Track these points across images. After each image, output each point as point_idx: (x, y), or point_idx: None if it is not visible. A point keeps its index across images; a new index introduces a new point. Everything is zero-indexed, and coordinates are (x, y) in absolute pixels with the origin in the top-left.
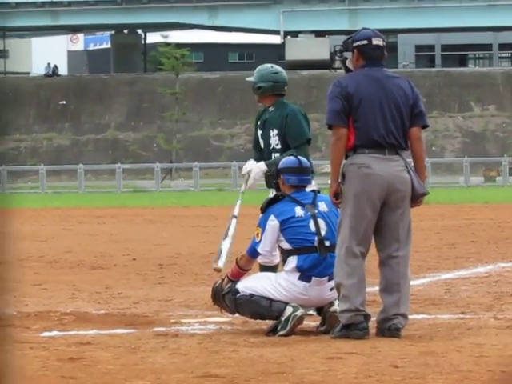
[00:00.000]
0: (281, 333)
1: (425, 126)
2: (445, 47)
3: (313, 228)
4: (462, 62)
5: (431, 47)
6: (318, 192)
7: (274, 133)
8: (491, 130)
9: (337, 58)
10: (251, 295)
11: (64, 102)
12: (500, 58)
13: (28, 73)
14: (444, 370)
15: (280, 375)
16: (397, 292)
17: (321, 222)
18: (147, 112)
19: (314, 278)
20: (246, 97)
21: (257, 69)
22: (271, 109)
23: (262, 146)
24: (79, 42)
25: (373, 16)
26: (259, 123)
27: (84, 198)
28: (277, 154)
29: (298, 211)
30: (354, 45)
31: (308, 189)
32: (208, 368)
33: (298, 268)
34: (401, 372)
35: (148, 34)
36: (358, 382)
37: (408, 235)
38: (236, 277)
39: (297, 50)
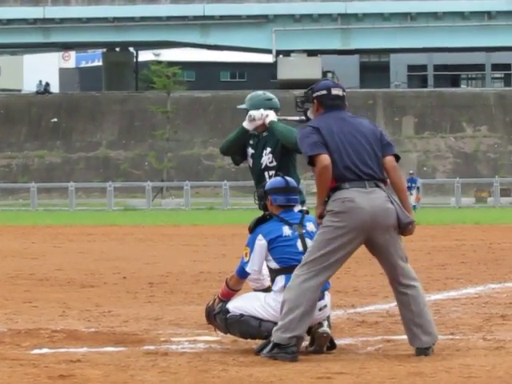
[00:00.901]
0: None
1: (397, 157)
2: (437, 67)
3: (300, 248)
4: (455, 82)
5: (424, 67)
6: (307, 213)
7: (266, 151)
8: (483, 150)
9: (298, 109)
10: (241, 315)
11: (55, 120)
12: (493, 78)
13: (19, 90)
14: None
15: None
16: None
17: (308, 242)
18: (139, 130)
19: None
20: (238, 116)
21: (248, 96)
22: (265, 134)
23: (251, 166)
24: (71, 60)
25: (365, 35)
26: (251, 143)
27: (75, 216)
28: (271, 172)
29: (286, 231)
30: (314, 95)
31: (296, 209)
32: None
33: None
34: None
35: (140, 52)
36: None
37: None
38: (226, 297)
39: (289, 69)
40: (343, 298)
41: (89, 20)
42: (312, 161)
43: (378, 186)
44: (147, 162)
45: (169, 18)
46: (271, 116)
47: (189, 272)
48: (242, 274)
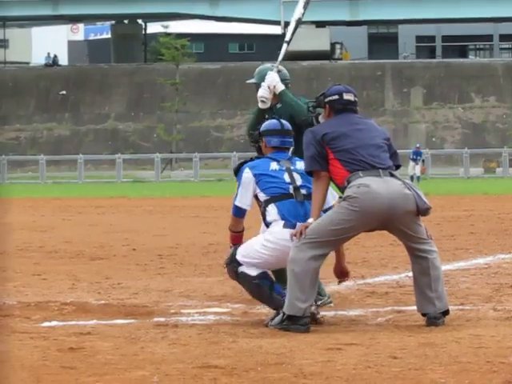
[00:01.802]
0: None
1: (398, 167)
2: (445, 38)
3: (287, 179)
4: (463, 53)
5: (432, 38)
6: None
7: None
8: (491, 121)
9: (309, 114)
10: (253, 278)
11: (64, 92)
12: (501, 49)
13: (28, 63)
14: (443, 361)
15: (279, 366)
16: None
17: (296, 175)
18: (147, 102)
19: (298, 224)
20: (246, 88)
21: (257, 69)
22: (278, 105)
23: None
24: (80, 32)
25: (373, 7)
26: (267, 117)
27: (84, 189)
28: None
29: (273, 165)
30: (326, 100)
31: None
32: (207, 358)
33: (280, 215)
34: (400, 363)
35: (148, 24)
36: (356, 373)
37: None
38: (235, 242)
39: (297, 41)
40: (353, 268)
41: None
42: (310, 174)
43: (392, 175)
44: (156, 134)
45: None
46: (279, 86)
47: (198, 244)
48: (235, 211)
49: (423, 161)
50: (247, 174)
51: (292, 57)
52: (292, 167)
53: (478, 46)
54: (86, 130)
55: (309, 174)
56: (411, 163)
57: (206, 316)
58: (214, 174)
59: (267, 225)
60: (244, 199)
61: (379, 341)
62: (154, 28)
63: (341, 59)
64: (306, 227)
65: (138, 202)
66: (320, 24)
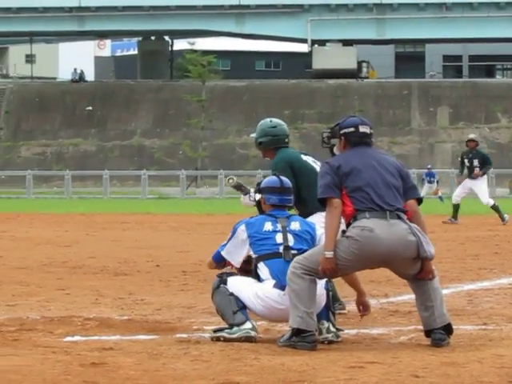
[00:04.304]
0: (224, 335)
1: (419, 200)
2: (472, 57)
3: (279, 240)
4: (490, 72)
5: (459, 57)
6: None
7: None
8: None
9: (324, 145)
10: (231, 294)
11: (90, 108)
12: None
13: (54, 78)
14: (465, 381)
15: None
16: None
17: (289, 236)
18: (173, 119)
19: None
20: (272, 105)
21: (258, 125)
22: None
23: None
24: (106, 48)
25: (400, 25)
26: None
27: (109, 204)
28: None
29: (267, 226)
30: (341, 132)
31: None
32: (229, 375)
33: (273, 275)
34: (421, 382)
35: (175, 41)
36: None
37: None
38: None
39: (324, 59)
40: (376, 287)
41: (124, 8)
42: (323, 202)
43: (399, 218)
44: (181, 150)
45: (204, 7)
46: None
47: None
48: (217, 257)
49: (437, 182)
50: (242, 231)
51: (319, 75)
52: (287, 227)
53: (505, 66)
54: (112, 146)
55: (321, 202)
56: (426, 185)
57: None
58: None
59: (259, 279)
60: (234, 255)
61: (401, 359)
62: (180, 45)
63: (367, 78)
64: (329, 266)
65: (163, 218)
66: (347, 43)
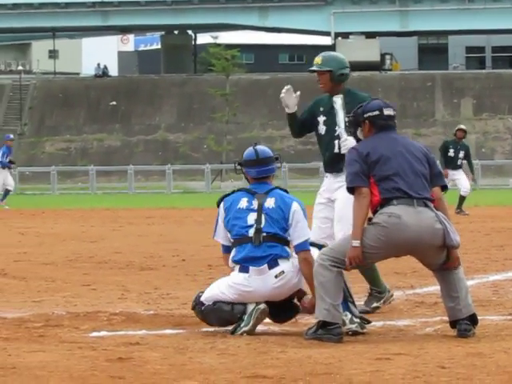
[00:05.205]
0: (244, 329)
1: (444, 188)
2: (495, 49)
3: (250, 221)
4: None
5: (482, 49)
6: (285, 191)
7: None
8: None
9: (346, 128)
10: (214, 303)
11: (114, 103)
12: None
13: (78, 73)
14: (491, 371)
15: (328, 376)
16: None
17: (262, 216)
18: (197, 113)
19: (251, 268)
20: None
21: (328, 56)
22: (340, 96)
23: (323, 133)
24: (129, 43)
25: (423, 17)
26: (322, 109)
27: (134, 199)
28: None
29: (242, 203)
30: (365, 116)
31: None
32: (256, 368)
33: (234, 260)
34: (448, 373)
35: (198, 35)
36: (405, 383)
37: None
38: None
39: (347, 51)
40: (402, 279)
41: (147, 3)
42: (351, 190)
43: (426, 206)
44: (206, 144)
45: (227, 1)
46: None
47: None
48: (222, 248)
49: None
50: (221, 208)
51: None
52: (263, 205)
53: None
54: (137, 141)
55: (350, 190)
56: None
57: None
58: None
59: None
60: (220, 233)
61: (427, 351)
62: (203, 39)
63: (391, 70)
64: (356, 255)
65: (188, 212)
66: (370, 35)
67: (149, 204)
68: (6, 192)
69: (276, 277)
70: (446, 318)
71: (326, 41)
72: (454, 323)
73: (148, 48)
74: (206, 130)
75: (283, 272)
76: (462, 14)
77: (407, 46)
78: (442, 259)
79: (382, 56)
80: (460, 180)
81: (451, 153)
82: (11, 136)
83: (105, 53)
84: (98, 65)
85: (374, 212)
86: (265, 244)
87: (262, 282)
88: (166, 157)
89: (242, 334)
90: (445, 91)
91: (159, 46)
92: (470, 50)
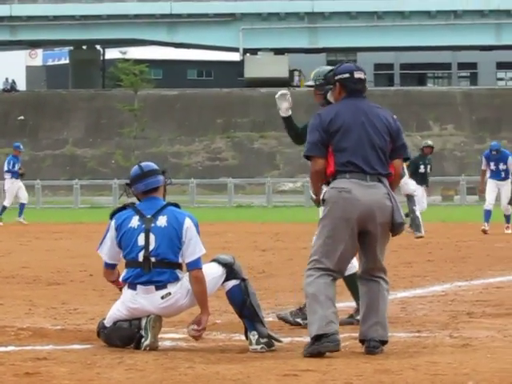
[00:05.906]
0: (146, 343)
1: (406, 159)
2: (404, 66)
3: (141, 242)
4: (421, 80)
5: (390, 66)
6: (176, 206)
7: None
8: (449, 149)
9: (317, 91)
10: (114, 323)
11: (22, 118)
12: (459, 77)
13: None
14: None
15: None
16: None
17: (152, 237)
18: (105, 128)
19: (139, 286)
20: (205, 113)
21: (319, 72)
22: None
23: None
24: (38, 58)
25: (332, 34)
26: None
27: (41, 214)
28: None
29: (134, 222)
30: (336, 78)
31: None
32: None
33: (123, 280)
34: None
35: (107, 50)
36: None
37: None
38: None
39: (256, 68)
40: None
41: (56, 18)
42: (308, 158)
43: (380, 181)
44: (114, 159)
45: (136, 16)
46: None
47: None
48: (104, 262)
49: None
50: (112, 225)
51: (250, 83)
52: (152, 225)
53: (436, 74)
54: (44, 156)
55: (307, 157)
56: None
57: (163, 342)
58: (171, 200)
59: None
60: (103, 250)
61: (336, 367)
62: (112, 54)
63: (299, 86)
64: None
65: (95, 227)
66: (279, 51)
67: (56, 219)
68: (4, 207)
69: (162, 298)
70: (354, 335)
71: (235, 57)
72: (363, 340)
73: (56, 63)
74: (114, 145)
75: (170, 294)
76: (370, 31)
77: (316, 63)
78: (383, 245)
79: (291, 72)
80: (423, 198)
81: (422, 169)
82: (18, 145)
83: (13, 67)
84: (6, 79)
85: (327, 183)
86: (154, 270)
87: (149, 301)
88: (73, 172)
89: (145, 349)
90: None
91: (67, 61)
92: (379, 66)
